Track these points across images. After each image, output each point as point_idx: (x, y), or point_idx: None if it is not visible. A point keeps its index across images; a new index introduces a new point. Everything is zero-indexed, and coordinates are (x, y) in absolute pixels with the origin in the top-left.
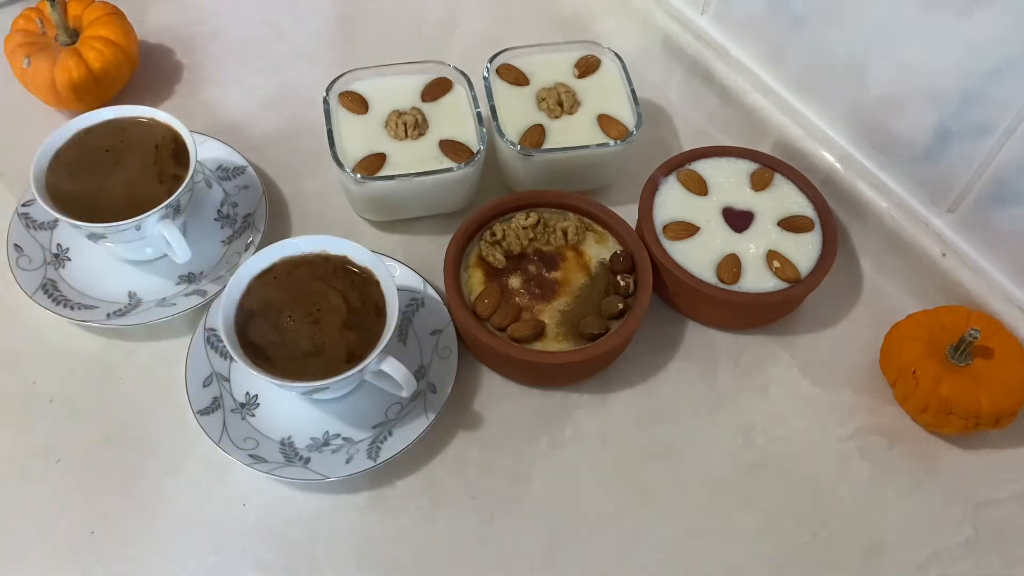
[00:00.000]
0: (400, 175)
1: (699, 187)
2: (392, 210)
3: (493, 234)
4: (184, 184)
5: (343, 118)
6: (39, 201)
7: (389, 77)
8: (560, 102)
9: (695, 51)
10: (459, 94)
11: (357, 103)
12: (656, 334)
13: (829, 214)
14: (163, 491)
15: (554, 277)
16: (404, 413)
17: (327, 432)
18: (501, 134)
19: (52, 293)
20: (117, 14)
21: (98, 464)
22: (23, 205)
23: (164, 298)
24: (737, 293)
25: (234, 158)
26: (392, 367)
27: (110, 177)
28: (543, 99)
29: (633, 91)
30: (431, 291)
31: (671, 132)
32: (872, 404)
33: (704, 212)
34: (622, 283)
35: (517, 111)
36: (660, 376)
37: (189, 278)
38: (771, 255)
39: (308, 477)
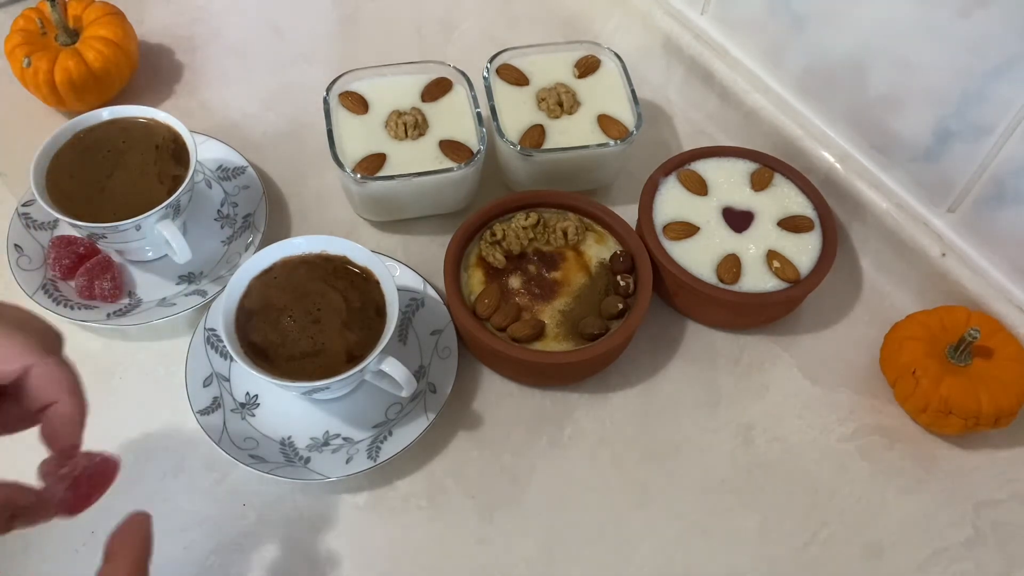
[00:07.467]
0: (400, 175)
1: (699, 187)
2: (392, 210)
3: (493, 234)
4: (184, 184)
5: (343, 118)
6: (39, 201)
7: (389, 77)
8: (560, 102)
9: (695, 51)
10: (459, 94)
11: (357, 103)
12: (656, 334)
13: (829, 214)
14: (163, 491)
15: (554, 277)
16: (404, 413)
17: (327, 432)
18: (501, 134)
19: (52, 293)
20: (117, 14)
21: None
22: (23, 205)
23: (164, 298)
24: (737, 293)
25: (234, 158)
26: (392, 367)
27: (110, 177)
28: (543, 99)
29: (633, 91)
30: (431, 291)
31: (671, 132)
32: (872, 404)
33: (704, 212)
34: (622, 283)
35: (517, 111)
36: (660, 376)
37: (189, 278)
38: (771, 255)
39: (308, 477)
